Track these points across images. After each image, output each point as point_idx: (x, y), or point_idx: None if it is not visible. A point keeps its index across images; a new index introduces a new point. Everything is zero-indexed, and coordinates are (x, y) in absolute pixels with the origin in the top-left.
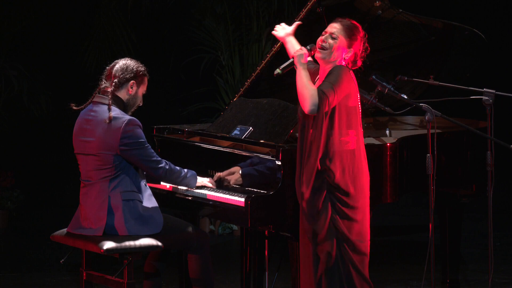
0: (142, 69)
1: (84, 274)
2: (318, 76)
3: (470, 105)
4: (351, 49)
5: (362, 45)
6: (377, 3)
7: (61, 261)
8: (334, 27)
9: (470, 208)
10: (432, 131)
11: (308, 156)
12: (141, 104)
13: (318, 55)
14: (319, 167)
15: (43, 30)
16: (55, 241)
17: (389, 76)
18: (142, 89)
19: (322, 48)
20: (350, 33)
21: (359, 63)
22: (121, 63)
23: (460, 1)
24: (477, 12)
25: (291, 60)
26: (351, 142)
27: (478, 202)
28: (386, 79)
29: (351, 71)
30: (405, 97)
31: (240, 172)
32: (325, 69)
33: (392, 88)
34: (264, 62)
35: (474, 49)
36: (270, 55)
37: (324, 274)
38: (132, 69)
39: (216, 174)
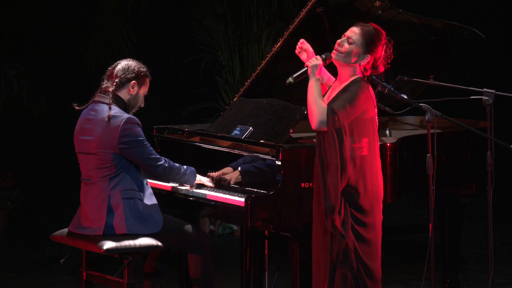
0: (144, 69)
1: (84, 274)
2: (336, 79)
3: (470, 105)
4: (368, 55)
5: (383, 52)
6: (377, 3)
7: (61, 261)
8: (353, 32)
9: (470, 208)
10: (432, 131)
11: (328, 174)
12: (142, 105)
13: (333, 56)
14: (344, 182)
15: (43, 30)
16: (55, 241)
17: (389, 76)
18: (144, 90)
19: (338, 51)
20: (368, 40)
21: (381, 69)
22: (123, 63)
23: (460, 1)
24: (477, 12)
25: (304, 69)
26: (364, 148)
27: (478, 202)
28: (386, 79)
29: (369, 86)
30: (405, 97)
31: (240, 169)
32: (342, 72)
33: (392, 88)
34: (264, 62)
35: (474, 49)
36: (270, 55)
37: None
38: (134, 69)
39: (208, 174)
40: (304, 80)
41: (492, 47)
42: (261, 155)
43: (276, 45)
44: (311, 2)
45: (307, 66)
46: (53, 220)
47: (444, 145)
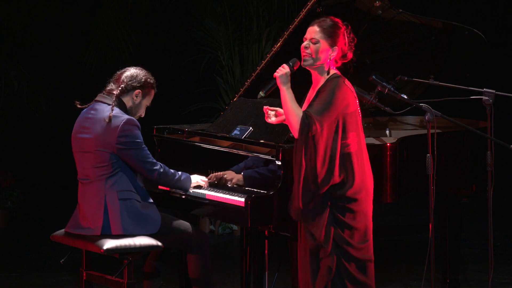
0: (151, 81)
1: (84, 274)
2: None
3: (470, 105)
4: (336, 47)
5: (346, 38)
6: (377, 3)
7: (61, 261)
8: (313, 31)
9: (470, 208)
10: (432, 131)
11: (306, 178)
12: (142, 115)
13: (304, 63)
14: (322, 189)
15: (43, 30)
16: (55, 241)
17: (389, 76)
18: (147, 101)
19: (306, 55)
20: (330, 32)
21: (350, 55)
22: (132, 70)
23: (460, 1)
24: (477, 12)
25: (273, 80)
26: (352, 144)
27: (478, 202)
28: (386, 79)
29: (345, 80)
30: (405, 97)
31: (242, 174)
32: (316, 75)
33: (392, 88)
34: (264, 62)
35: (474, 49)
36: (270, 55)
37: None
38: (141, 79)
39: (211, 175)
40: (304, 78)
41: (492, 47)
42: (261, 155)
43: (276, 45)
44: (311, 2)
45: (275, 77)
46: (53, 220)
47: (444, 145)
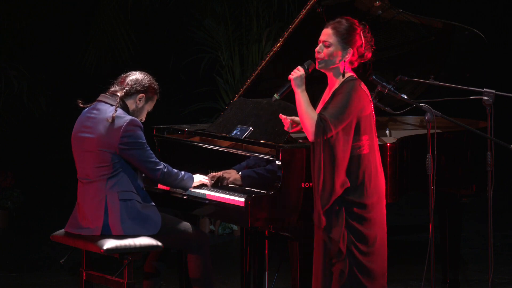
0: (155, 87)
1: (84, 274)
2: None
3: (470, 105)
4: (350, 49)
5: (363, 39)
6: (377, 3)
7: (61, 261)
8: (326, 34)
9: (470, 208)
10: (432, 131)
11: (324, 181)
12: (143, 120)
13: (318, 66)
14: (339, 190)
15: (43, 30)
16: (55, 241)
17: (389, 76)
18: (149, 106)
19: (319, 59)
20: (344, 35)
21: (369, 55)
22: (137, 75)
23: (460, 1)
24: (477, 12)
25: (288, 83)
26: (364, 146)
27: (478, 202)
28: (386, 79)
29: (361, 83)
30: (405, 97)
31: (240, 173)
32: (331, 77)
33: (392, 88)
34: (264, 62)
35: (474, 49)
36: (270, 55)
37: None
38: (145, 83)
39: (211, 174)
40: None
41: (492, 47)
42: (261, 155)
43: (276, 45)
44: (311, 2)
45: (290, 80)
46: (53, 220)
47: (444, 145)
